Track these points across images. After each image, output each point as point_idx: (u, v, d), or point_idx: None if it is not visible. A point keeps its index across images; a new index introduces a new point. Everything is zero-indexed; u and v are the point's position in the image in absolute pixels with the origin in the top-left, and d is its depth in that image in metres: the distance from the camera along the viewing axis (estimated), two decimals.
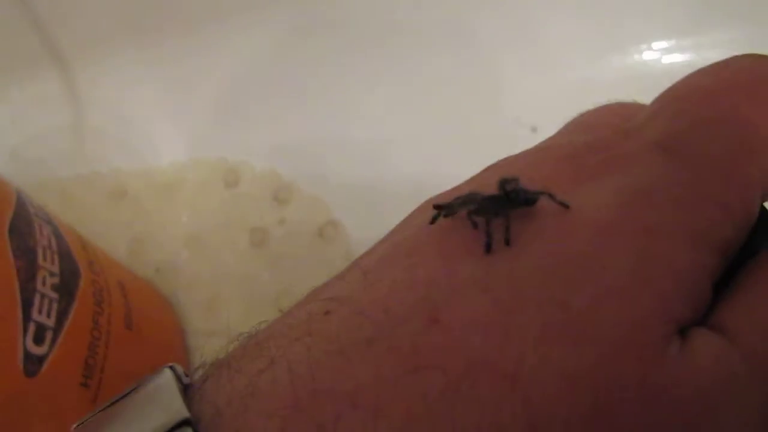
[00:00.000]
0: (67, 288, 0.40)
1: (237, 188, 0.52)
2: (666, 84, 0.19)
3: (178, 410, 0.13)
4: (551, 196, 0.14)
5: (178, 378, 0.14)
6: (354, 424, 0.12)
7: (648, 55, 0.49)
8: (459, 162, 0.49)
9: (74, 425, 0.14)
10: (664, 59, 0.48)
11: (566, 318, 0.12)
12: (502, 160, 0.19)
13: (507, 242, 0.14)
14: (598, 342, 0.12)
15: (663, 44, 0.48)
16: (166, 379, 0.14)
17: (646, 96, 0.47)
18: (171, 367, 0.15)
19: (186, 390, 0.14)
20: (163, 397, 0.14)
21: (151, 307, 0.49)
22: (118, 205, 0.54)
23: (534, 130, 0.49)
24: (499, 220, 0.14)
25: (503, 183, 0.15)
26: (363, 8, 0.52)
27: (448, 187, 0.47)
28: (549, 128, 0.47)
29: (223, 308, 0.50)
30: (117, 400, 0.15)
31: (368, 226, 0.49)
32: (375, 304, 0.14)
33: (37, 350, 0.36)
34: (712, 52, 0.47)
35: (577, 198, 0.14)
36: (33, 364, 0.35)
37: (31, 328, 0.36)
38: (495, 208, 0.14)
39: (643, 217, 0.14)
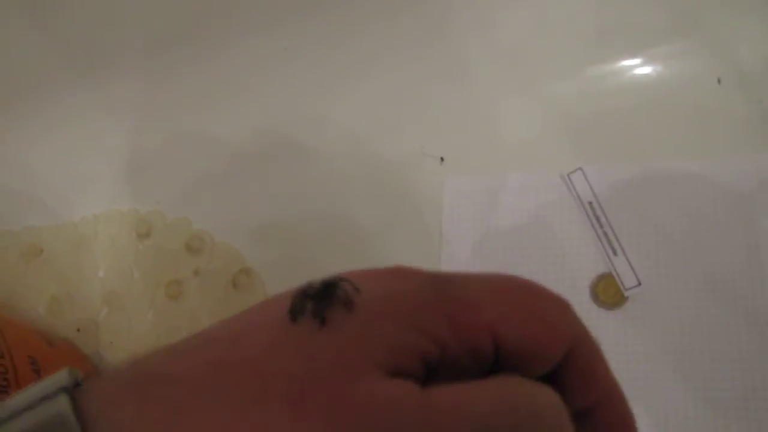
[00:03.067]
0: None
1: (150, 239, 0.51)
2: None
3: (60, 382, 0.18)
4: (349, 281, 0.19)
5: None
6: (165, 389, 0.17)
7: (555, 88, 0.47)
8: (370, 203, 0.48)
9: None
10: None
11: (306, 340, 0.18)
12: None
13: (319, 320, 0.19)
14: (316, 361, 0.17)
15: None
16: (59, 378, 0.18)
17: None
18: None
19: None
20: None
21: None
22: (34, 263, 0.53)
23: (442, 160, 0.47)
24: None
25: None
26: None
27: (357, 223, 0.46)
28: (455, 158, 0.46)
29: None
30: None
31: (282, 272, 0.48)
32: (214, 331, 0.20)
33: None
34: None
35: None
36: None
37: None
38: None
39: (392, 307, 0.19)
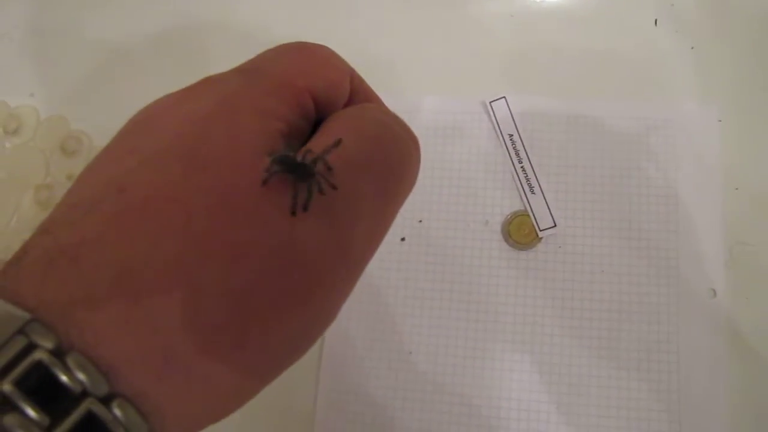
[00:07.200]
0: None
1: (19, 137, 0.45)
2: None
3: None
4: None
5: None
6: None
7: None
8: None
9: None
10: None
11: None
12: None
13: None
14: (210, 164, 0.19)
15: None
16: None
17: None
18: None
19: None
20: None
21: None
22: None
23: None
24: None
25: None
26: None
27: None
28: None
29: None
30: None
31: None
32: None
33: None
34: None
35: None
36: None
37: None
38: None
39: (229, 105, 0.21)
